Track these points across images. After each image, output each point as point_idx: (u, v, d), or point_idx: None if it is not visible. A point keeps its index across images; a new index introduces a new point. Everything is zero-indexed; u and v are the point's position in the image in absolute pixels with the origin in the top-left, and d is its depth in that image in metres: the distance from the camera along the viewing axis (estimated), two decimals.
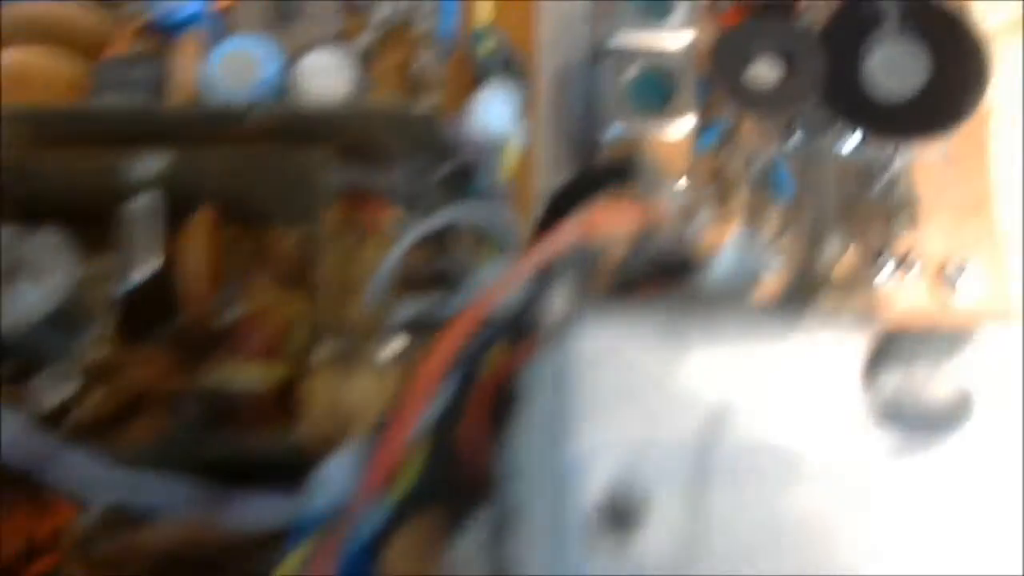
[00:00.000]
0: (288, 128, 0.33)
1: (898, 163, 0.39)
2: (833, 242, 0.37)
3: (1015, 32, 0.43)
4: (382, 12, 0.37)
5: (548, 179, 0.39)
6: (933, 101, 0.37)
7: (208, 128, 0.33)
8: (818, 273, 0.28)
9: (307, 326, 0.34)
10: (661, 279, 0.26)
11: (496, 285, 0.26)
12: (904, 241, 0.39)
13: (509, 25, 0.39)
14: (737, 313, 0.23)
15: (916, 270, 0.39)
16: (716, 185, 0.39)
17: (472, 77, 0.38)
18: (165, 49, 0.36)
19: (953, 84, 0.37)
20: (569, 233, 0.25)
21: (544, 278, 0.26)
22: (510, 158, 0.36)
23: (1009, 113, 0.42)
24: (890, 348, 0.23)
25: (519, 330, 0.28)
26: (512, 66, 0.38)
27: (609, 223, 0.26)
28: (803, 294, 0.27)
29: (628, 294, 0.25)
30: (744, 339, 0.22)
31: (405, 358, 0.34)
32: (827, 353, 0.23)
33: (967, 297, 0.38)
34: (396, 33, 0.38)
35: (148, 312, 0.32)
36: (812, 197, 0.32)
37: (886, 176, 0.39)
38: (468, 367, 0.27)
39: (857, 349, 0.23)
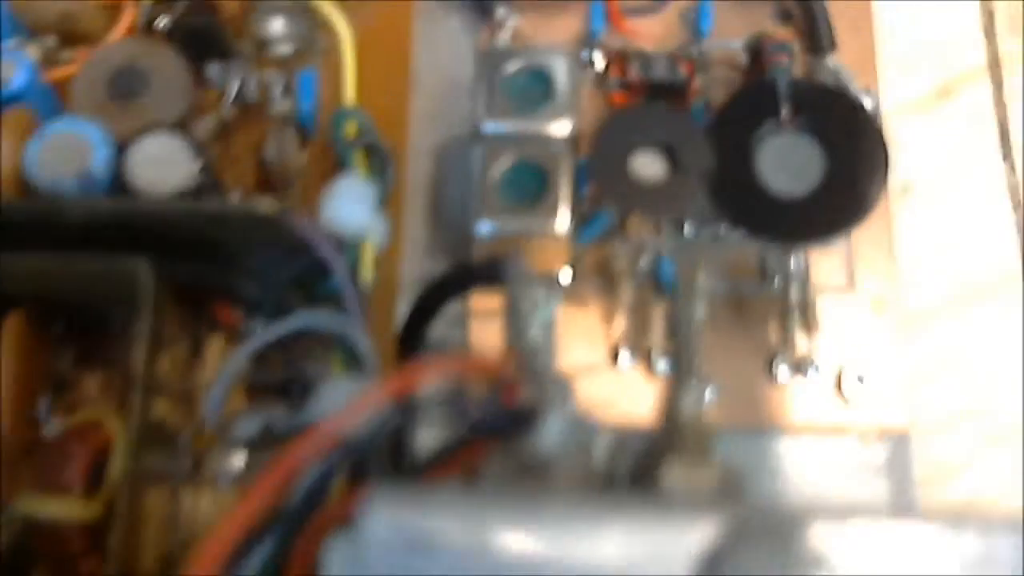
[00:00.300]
0: (117, 224, 0.30)
1: (795, 262, 0.36)
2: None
3: (924, 107, 0.40)
4: (234, 89, 0.34)
5: (418, 274, 0.36)
6: (830, 198, 0.34)
7: (26, 222, 0.30)
8: (681, 426, 0.25)
9: (138, 438, 0.30)
10: (487, 441, 0.23)
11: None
12: (801, 344, 0.36)
13: (377, 106, 0.36)
14: (555, 498, 0.20)
15: (814, 375, 0.36)
16: (602, 279, 0.36)
17: (333, 162, 0.35)
18: None
19: (851, 179, 0.34)
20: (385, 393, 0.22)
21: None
22: (368, 255, 0.33)
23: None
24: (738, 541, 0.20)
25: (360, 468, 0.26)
26: (377, 150, 0.35)
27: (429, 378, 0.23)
28: (655, 459, 0.24)
29: (435, 469, 0.22)
30: (558, 529, 0.19)
31: (246, 476, 0.31)
32: (661, 544, 0.20)
33: (867, 406, 0.36)
34: (250, 113, 0.35)
35: None
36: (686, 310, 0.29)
37: (779, 279, 0.36)
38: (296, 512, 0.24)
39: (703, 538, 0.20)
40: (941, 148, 0.40)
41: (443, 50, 0.39)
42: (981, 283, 0.39)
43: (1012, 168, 0.41)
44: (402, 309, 0.35)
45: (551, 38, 0.39)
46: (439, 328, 0.35)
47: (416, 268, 0.36)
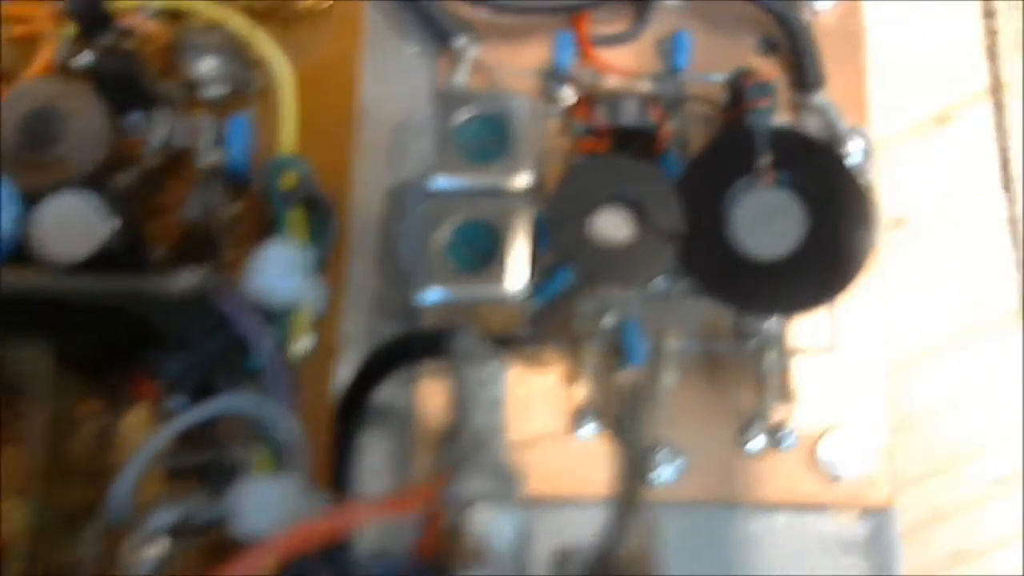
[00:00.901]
0: (17, 297, 0.27)
1: (772, 322, 0.33)
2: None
3: (921, 134, 0.37)
4: (159, 137, 0.31)
5: (364, 333, 0.33)
6: (812, 261, 0.31)
7: None
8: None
9: (37, 531, 0.28)
10: None
11: None
12: (777, 411, 0.33)
13: (321, 148, 0.33)
14: None
15: (790, 443, 0.33)
16: (564, 340, 0.34)
17: (266, 217, 0.32)
18: None
19: (835, 240, 0.31)
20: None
21: None
22: (301, 325, 0.30)
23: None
24: None
25: None
26: (318, 203, 0.32)
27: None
28: None
29: None
30: None
31: (163, 568, 0.29)
32: None
33: (844, 475, 0.33)
34: (179, 162, 0.32)
35: None
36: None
37: (755, 341, 0.33)
38: None
39: None
40: (938, 178, 0.37)
41: (396, 83, 0.36)
42: (979, 322, 0.36)
43: (1012, 199, 0.38)
44: (345, 370, 0.32)
45: (517, 67, 0.36)
46: (384, 390, 0.32)
47: (361, 326, 0.34)
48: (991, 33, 0.39)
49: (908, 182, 0.37)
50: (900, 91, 0.38)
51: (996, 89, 0.39)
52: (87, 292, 0.28)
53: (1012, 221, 0.37)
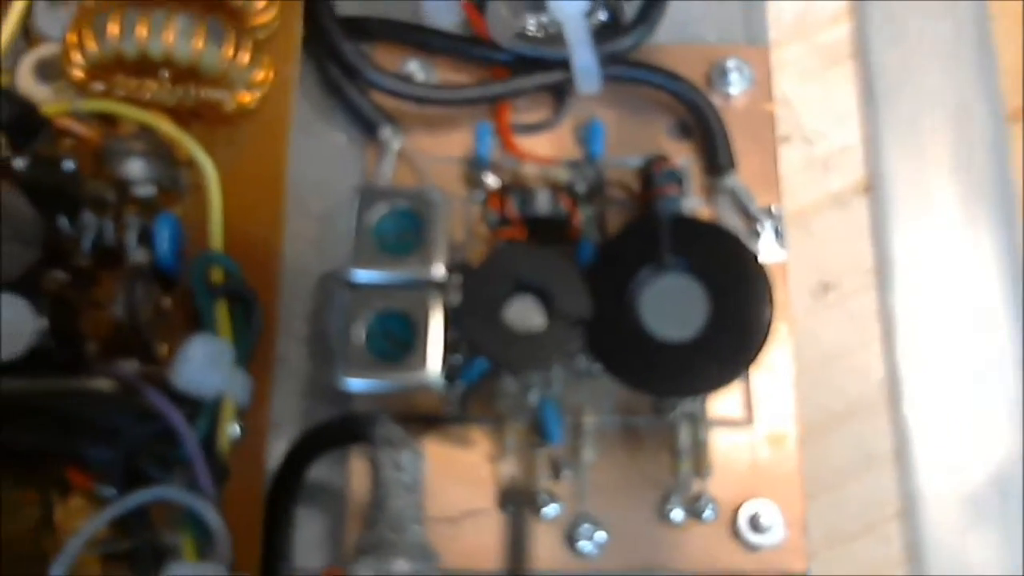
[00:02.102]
0: None
1: (688, 403, 0.34)
2: None
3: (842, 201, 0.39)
4: (89, 238, 0.32)
5: (294, 416, 0.35)
6: (715, 343, 0.32)
7: None
8: None
9: None
10: None
11: None
12: (696, 483, 0.35)
13: (249, 238, 0.34)
14: None
15: (709, 514, 0.34)
16: (488, 419, 0.35)
17: (194, 312, 0.33)
18: None
19: (736, 322, 0.33)
20: None
21: None
22: (227, 414, 0.32)
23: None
24: None
25: None
26: (243, 297, 0.33)
27: None
28: None
29: None
30: None
31: None
32: None
33: (763, 544, 0.34)
34: (111, 258, 0.33)
35: None
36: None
37: (672, 415, 0.34)
38: None
39: None
40: (862, 243, 0.39)
41: (324, 172, 0.38)
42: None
43: None
44: (277, 452, 0.33)
45: (442, 156, 0.37)
46: (318, 468, 0.33)
47: (293, 409, 0.35)
48: None
49: (832, 247, 0.39)
50: (823, 159, 0.39)
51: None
52: (20, 392, 0.29)
53: None
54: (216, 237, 0.34)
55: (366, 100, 0.37)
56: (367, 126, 0.38)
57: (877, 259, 0.38)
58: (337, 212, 0.36)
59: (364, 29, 0.38)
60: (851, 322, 0.38)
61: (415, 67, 0.38)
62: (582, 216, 0.35)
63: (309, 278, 0.36)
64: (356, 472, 0.34)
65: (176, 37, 0.32)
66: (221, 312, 0.33)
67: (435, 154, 0.37)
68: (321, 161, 0.38)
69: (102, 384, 0.29)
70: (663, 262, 0.33)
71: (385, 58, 0.38)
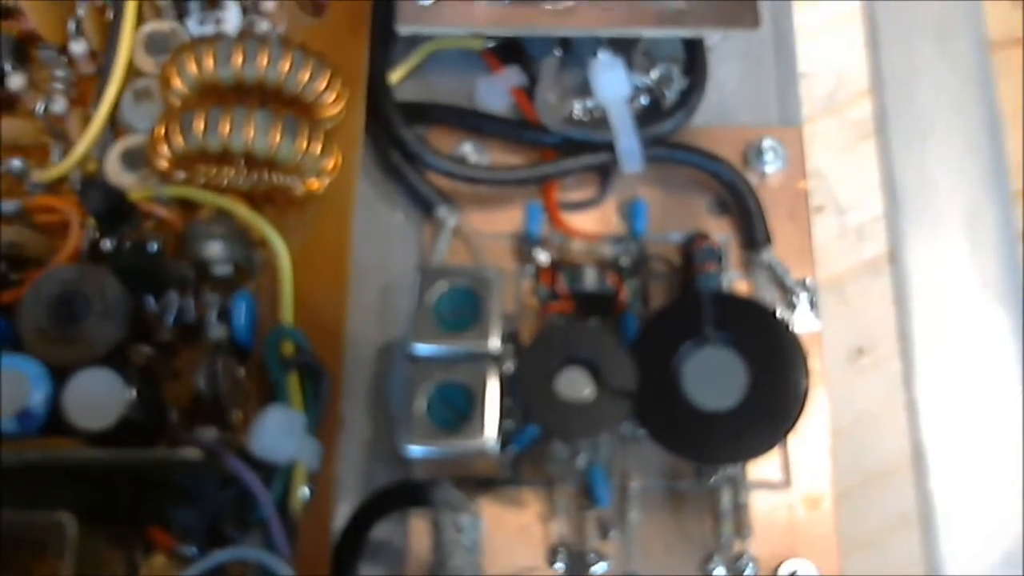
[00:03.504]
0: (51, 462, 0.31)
1: (729, 467, 0.36)
2: None
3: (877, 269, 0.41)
4: (172, 315, 0.35)
5: (359, 482, 0.37)
6: (753, 413, 0.35)
7: None
8: None
9: None
10: None
11: None
12: (737, 543, 0.37)
13: (317, 313, 0.37)
14: None
15: (749, 574, 0.36)
16: (540, 482, 0.37)
17: (268, 383, 0.35)
18: None
19: (772, 394, 0.35)
20: None
21: None
22: (299, 479, 0.34)
23: None
24: None
25: None
26: (313, 368, 0.36)
27: None
28: None
29: None
30: None
31: None
32: None
33: None
34: (191, 332, 0.36)
35: None
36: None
37: (713, 479, 0.37)
38: None
39: None
40: (893, 308, 0.41)
41: (385, 248, 0.40)
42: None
43: None
44: (343, 514, 0.36)
45: (494, 232, 0.40)
46: (381, 528, 0.36)
47: (357, 473, 0.37)
48: None
49: (866, 313, 0.41)
50: (857, 228, 0.42)
51: None
52: (112, 461, 0.32)
53: None
54: (287, 312, 0.36)
55: (424, 182, 0.40)
56: (424, 206, 0.40)
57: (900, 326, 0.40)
58: (397, 286, 0.39)
59: (421, 114, 0.41)
60: (885, 385, 0.39)
61: (469, 149, 0.41)
62: (627, 290, 0.37)
63: (371, 348, 0.39)
64: (416, 532, 0.36)
65: (256, 133, 0.35)
66: (293, 383, 0.35)
67: (488, 231, 0.40)
68: (382, 239, 0.40)
69: (190, 454, 0.31)
70: (705, 336, 0.35)
71: (441, 141, 0.41)
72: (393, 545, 0.37)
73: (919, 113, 0.42)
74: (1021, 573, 0.37)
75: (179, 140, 0.36)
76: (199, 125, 0.35)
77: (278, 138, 0.35)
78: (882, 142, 0.42)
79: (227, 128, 0.35)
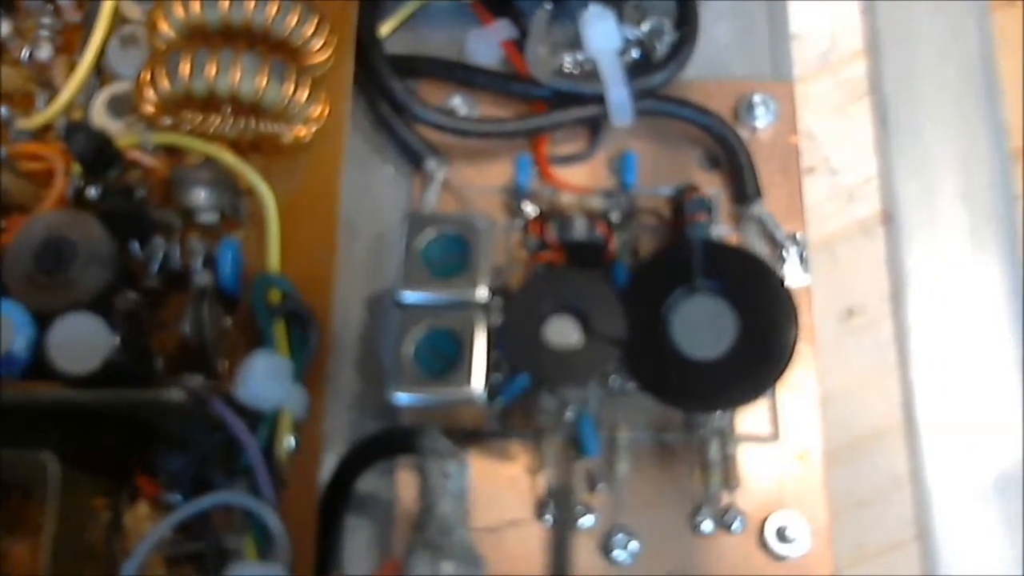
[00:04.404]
0: (31, 407, 0.31)
1: (718, 419, 0.36)
2: None
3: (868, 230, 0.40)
4: (157, 262, 0.35)
5: (346, 431, 0.37)
6: (743, 360, 0.34)
7: None
8: None
9: None
10: None
11: None
12: (725, 496, 0.36)
13: (305, 263, 0.37)
14: None
15: (738, 526, 0.36)
16: (528, 434, 0.37)
17: (254, 330, 0.35)
18: None
19: (762, 341, 0.34)
20: None
21: None
22: (286, 426, 0.34)
23: None
24: None
25: None
26: (300, 316, 0.35)
27: None
28: None
29: None
30: None
31: None
32: None
33: (789, 555, 0.36)
34: (177, 280, 0.35)
35: None
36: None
37: (702, 431, 0.36)
38: None
39: None
40: (885, 269, 0.40)
41: (374, 200, 0.40)
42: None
43: None
44: (330, 464, 0.35)
45: (483, 186, 0.40)
46: (367, 480, 0.35)
47: (344, 424, 0.37)
48: None
49: (858, 274, 0.41)
50: (850, 189, 0.41)
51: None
52: (95, 402, 0.31)
53: None
54: (274, 261, 0.36)
55: (413, 134, 0.40)
56: (414, 158, 0.40)
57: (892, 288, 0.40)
58: (386, 240, 0.39)
59: (411, 67, 0.41)
60: (876, 347, 0.39)
61: (459, 102, 0.41)
62: (617, 241, 0.37)
63: (359, 299, 0.38)
64: (404, 483, 0.36)
65: (242, 75, 0.35)
66: (279, 330, 0.35)
67: (477, 184, 0.40)
68: (371, 190, 0.40)
69: (174, 395, 0.31)
70: (694, 285, 0.35)
71: (430, 94, 0.40)
72: (380, 498, 0.37)
73: (914, 72, 0.42)
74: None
75: (165, 83, 0.35)
76: (185, 68, 0.35)
77: (264, 81, 0.35)
78: (876, 102, 0.42)
79: (213, 70, 0.35)
